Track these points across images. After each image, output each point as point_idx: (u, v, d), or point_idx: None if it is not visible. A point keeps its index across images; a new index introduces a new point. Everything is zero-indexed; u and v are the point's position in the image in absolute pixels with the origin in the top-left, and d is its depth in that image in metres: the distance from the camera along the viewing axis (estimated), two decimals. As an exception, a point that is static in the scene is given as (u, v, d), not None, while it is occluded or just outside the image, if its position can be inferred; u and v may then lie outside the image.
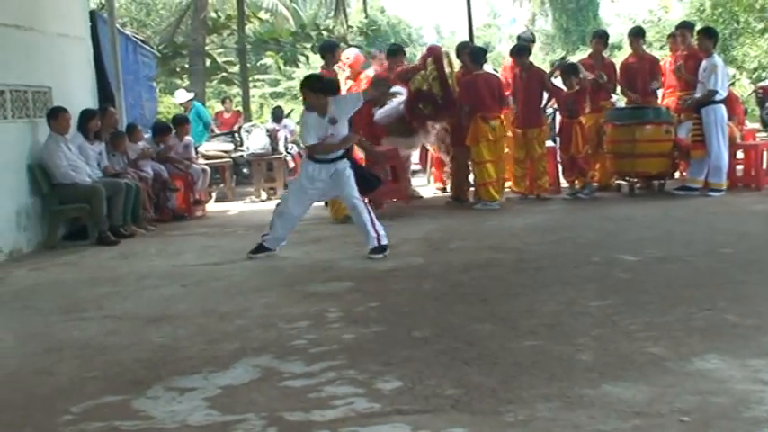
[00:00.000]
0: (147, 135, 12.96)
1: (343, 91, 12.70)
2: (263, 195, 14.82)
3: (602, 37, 13.48)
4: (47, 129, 10.10)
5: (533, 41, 14.23)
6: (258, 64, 36.07)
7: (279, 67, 30.18)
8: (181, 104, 18.35)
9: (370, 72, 13.23)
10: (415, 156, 14.51)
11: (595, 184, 12.47)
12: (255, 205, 14.18)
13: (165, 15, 33.79)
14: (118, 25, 14.07)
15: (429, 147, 13.74)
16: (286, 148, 16.59)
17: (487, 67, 12.51)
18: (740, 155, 12.67)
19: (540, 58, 36.28)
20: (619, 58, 16.53)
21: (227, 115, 19.25)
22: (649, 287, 6.25)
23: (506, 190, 12.08)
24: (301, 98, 8.73)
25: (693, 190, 11.51)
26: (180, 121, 13.75)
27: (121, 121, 12.61)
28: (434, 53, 11.79)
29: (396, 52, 13.13)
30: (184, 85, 22.81)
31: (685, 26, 13.15)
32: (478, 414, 3.84)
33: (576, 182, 12.19)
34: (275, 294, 6.77)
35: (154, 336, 5.64)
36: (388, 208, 11.38)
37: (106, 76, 12.77)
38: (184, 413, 4.09)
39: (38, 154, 10.02)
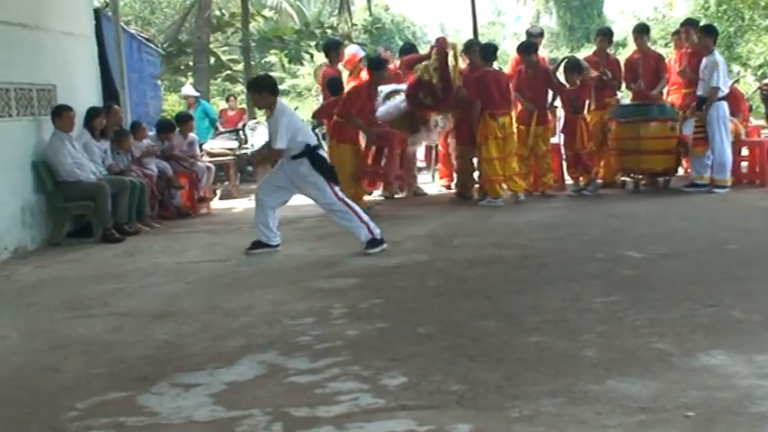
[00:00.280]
0: (152, 133, 12.96)
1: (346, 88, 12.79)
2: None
3: (606, 34, 13.48)
4: (51, 126, 10.10)
5: (542, 35, 14.22)
6: (262, 62, 36.08)
7: (283, 65, 30.18)
8: (184, 98, 18.35)
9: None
10: (420, 152, 14.52)
11: (600, 181, 12.46)
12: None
13: (169, 13, 33.82)
14: (122, 23, 14.05)
15: (434, 143, 13.75)
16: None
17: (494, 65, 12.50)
18: (745, 151, 12.67)
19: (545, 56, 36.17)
20: (623, 56, 16.49)
21: (231, 113, 19.27)
22: (654, 283, 6.24)
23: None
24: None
25: (701, 187, 11.49)
26: (183, 119, 13.75)
27: (126, 118, 12.61)
28: (439, 44, 11.82)
29: (408, 51, 13.23)
30: (190, 82, 22.79)
31: (690, 23, 13.12)
32: (483, 410, 3.84)
33: (581, 179, 12.19)
34: (280, 291, 6.77)
35: (159, 332, 5.64)
36: (390, 206, 11.38)
37: (111, 74, 12.77)
38: (189, 409, 4.09)
39: (42, 152, 10.02)
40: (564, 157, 12.73)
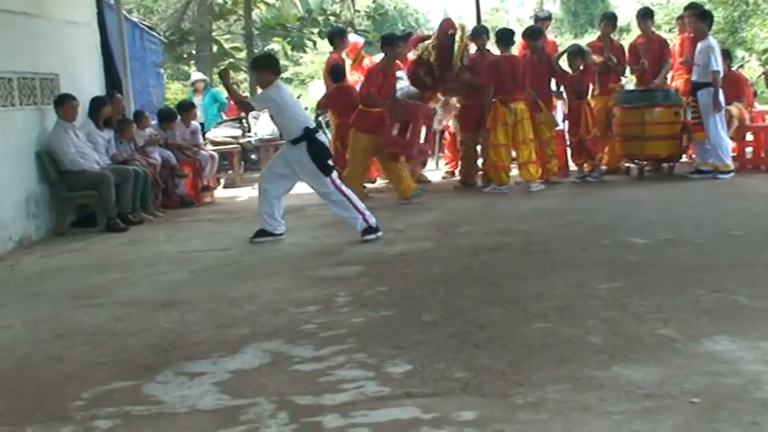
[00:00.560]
0: (155, 122, 12.96)
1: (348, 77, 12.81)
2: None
3: (610, 19, 13.45)
4: (54, 116, 10.10)
5: (549, 18, 14.19)
6: (265, 49, 36.01)
7: (286, 53, 30.14)
8: (192, 84, 18.34)
9: (375, 58, 13.27)
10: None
11: (604, 167, 12.45)
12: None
13: (171, 1, 33.73)
14: (124, 12, 14.04)
15: (434, 131, 13.73)
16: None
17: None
18: (750, 137, 12.64)
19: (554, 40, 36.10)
20: (627, 41, 16.46)
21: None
22: (659, 270, 6.24)
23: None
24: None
25: (706, 173, 11.48)
26: (186, 107, 13.74)
27: (129, 107, 12.61)
28: (443, 26, 11.86)
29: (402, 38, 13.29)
30: (192, 70, 22.79)
31: (692, 9, 13.08)
32: (488, 397, 3.84)
33: (585, 165, 12.17)
34: (284, 279, 6.77)
35: (163, 321, 5.64)
36: (393, 193, 11.36)
37: (113, 63, 12.76)
38: (194, 398, 4.10)
39: (46, 141, 10.02)
40: (568, 143, 12.71)
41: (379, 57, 13.20)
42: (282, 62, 35.50)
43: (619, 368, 4.06)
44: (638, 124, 11.69)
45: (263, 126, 15.05)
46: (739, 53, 26.88)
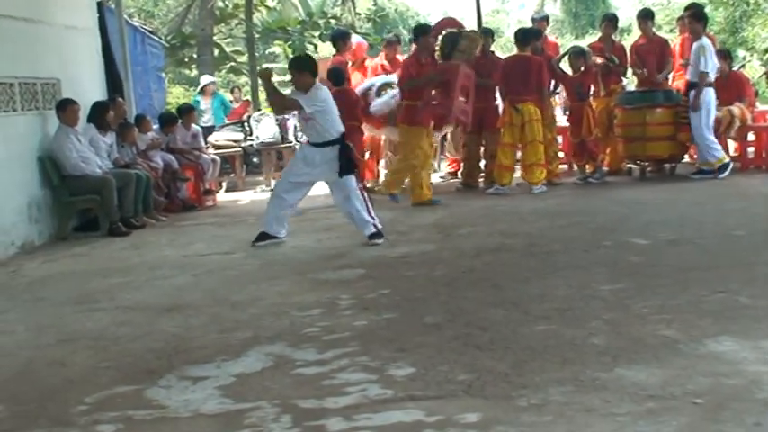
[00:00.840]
0: (156, 126, 12.97)
1: (351, 78, 12.82)
2: (274, 184, 14.79)
3: (611, 20, 13.45)
4: (56, 121, 10.11)
5: (546, 19, 14.16)
6: (266, 53, 36.08)
7: (287, 56, 30.14)
8: (201, 88, 18.37)
9: (378, 60, 13.31)
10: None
11: (605, 168, 12.45)
12: (266, 194, 14.15)
13: (172, 6, 33.78)
14: (125, 16, 14.06)
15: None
16: (295, 137, 16.58)
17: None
18: (751, 137, 12.63)
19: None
20: (629, 42, 16.45)
21: (236, 105, 19.26)
22: (661, 270, 6.23)
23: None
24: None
25: (708, 173, 11.47)
26: (186, 110, 13.75)
27: (130, 112, 12.62)
28: (438, 25, 12.00)
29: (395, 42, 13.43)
30: (193, 74, 22.80)
31: (690, 9, 13.07)
32: (491, 399, 3.84)
33: (587, 166, 12.16)
34: (287, 282, 6.77)
35: (166, 325, 5.65)
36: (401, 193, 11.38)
37: (115, 68, 12.78)
38: (198, 402, 4.10)
39: (48, 146, 10.03)
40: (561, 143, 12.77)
41: (379, 58, 13.27)
42: (284, 65, 35.68)
43: (622, 369, 4.06)
44: (640, 125, 11.69)
45: (264, 130, 15.04)
46: (740, 53, 26.87)
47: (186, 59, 26.04)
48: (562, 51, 13.56)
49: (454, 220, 9.48)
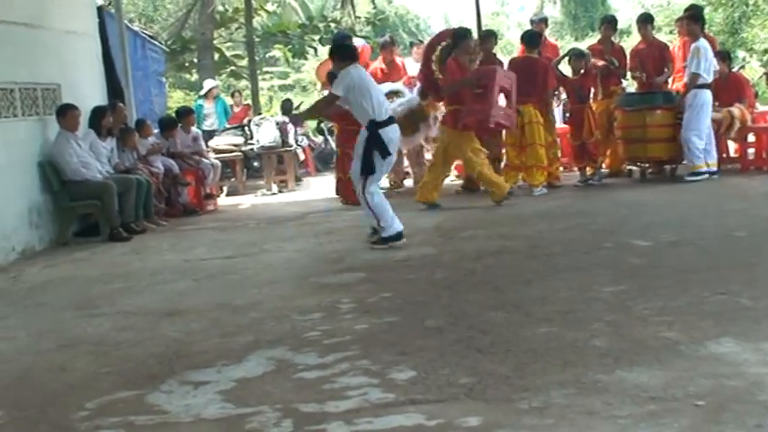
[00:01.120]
0: (157, 131, 12.98)
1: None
2: (274, 188, 14.84)
3: (611, 22, 13.45)
4: (56, 126, 10.11)
5: (544, 21, 14.15)
6: (267, 57, 36.07)
7: (287, 60, 30.16)
8: (205, 93, 18.41)
9: (376, 63, 13.32)
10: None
11: (606, 170, 12.46)
12: (267, 198, 14.21)
13: (172, 10, 33.76)
14: (126, 21, 14.06)
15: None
16: (296, 141, 16.61)
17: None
18: (751, 138, 12.63)
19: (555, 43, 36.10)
20: (628, 44, 16.45)
21: (236, 109, 19.27)
22: (662, 272, 6.23)
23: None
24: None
25: (710, 173, 11.48)
26: (184, 113, 13.76)
27: (131, 116, 12.63)
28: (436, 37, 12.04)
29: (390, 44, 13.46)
30: (193, 79, 22.82)
31: (688, 13, 13.07)
32: (493, 402, 3.84)
33: (588, 168, 12.16)
34: (288, 287, 6.77)
35: (167, 330, 5.64)
36: (397, 198, 11.37)
37: (115, 73, 12.79)
38: (199, 407, 4.09)
39: (48, 151, 10.03)
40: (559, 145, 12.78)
41: (378, 62, 13.29)
42: (284, 69, 35.68)
43: (623, 372, 4.06)
44: (640, 127, 11.71)
45: (265, 134, 15.06)
46: (740, 54, 26.87)
47: (187, 64, 26.02)
48: (562, 53, 13.55)
49: (455, 222, 9.47)
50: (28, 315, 6.57)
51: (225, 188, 15.26)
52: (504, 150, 12.02)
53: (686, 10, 13.24)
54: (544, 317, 5.21)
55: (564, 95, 13.52)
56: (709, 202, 9.59)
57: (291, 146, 15.65)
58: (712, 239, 7.40)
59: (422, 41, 14.39)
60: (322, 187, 13.95)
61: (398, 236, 8.16)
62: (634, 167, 12.57)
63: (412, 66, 13.43)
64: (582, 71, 12.01)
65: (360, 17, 28.64)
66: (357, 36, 19.91)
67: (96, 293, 7.08)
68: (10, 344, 5.67)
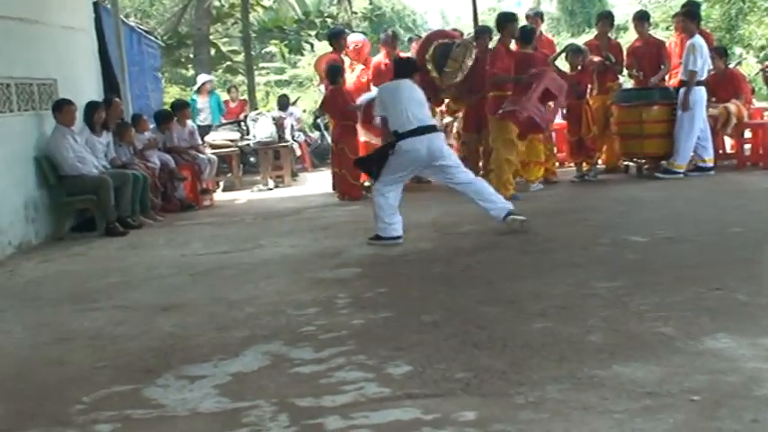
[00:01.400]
0: (153, 125, 12.97)
1: (353, 76, 12.87)
2: (271, 184, 14.84)
3: (607, 18, 13.44)
4: (53, 121, 10.11)
5: (541, 16, 14.09)
6: (263, 52, 36.05)
7: (283, 56, 30.17)
8: (198, 88, 18.39)
9: (380, 57, 13.32)
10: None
11: (602, 166, 12.46)
12: (263, 194, 14.21)
13: (168, 5, 33.69)
14: (122, 16, 14.05)
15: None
16: (293, 136, 16.62)
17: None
18: (748, 134, 12.64)
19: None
20: (625, 39, 16.44)
21: (233, 104, 19.27)
22: (659, 268, 6.23)
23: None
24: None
25: (705, 170, 11.51)
26: (180, 107, 13.75)
27: (127, 111, 12.63)
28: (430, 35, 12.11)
29: (393, 38, 13.50)
30: (189, 74, 22.81)
31: (684, 7, 13.07)
32: (489, 397, 3.84)
33: (584, 164, 12.16)
34: (284, 281, 6.77)
35: (163, 325, 5.64)
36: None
37: (111, 68, 12.79)
38: (195, 401, 4.09)
39: (44, 146, 10.03)
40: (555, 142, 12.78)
41: (381, 56, 13.28)
42: (280, 65, 35.64)
43: (619, 367, 4.06)
44: (636, 123, 11.70)
45: (261, 129, 15.05)
46: (737, 50, 26.85)
47: (183, 59, 26.04)
48: (558, 49, 13.54)
49: (451, 218, 9.47)
50: (24, 309, 6.57)
51: (221, 183, 15.26)
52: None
53: (683, 6, 13.22)
54: (540, 312, 5.21)
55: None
56: (705, 199, 9.60)
57: (288, 141, 15.65)
58: (709, 235, 7.40)
59: (420, 37, 14.32)
60: (318, 182, 13.95)
61: (393, 239, 8.15)
62: (630, 163, 12.57)
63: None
64: (579, 67, 12.00)
65: (356, 13, 28.68)
66: (354, 32, 19.91)
67: (93, 288, 7.08)
68: (6, 338, 5.67)
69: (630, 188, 11.07)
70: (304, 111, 22.22)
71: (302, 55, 30.58)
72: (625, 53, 12.91)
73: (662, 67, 12.53)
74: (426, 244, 8.03)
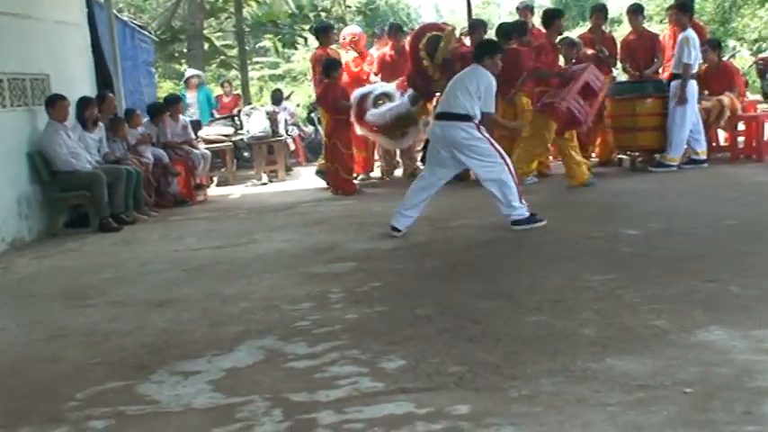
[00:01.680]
0: (146, 119, 12.94)
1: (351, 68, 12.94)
2: (265, 178, 14.82)
3: (601, 11, 13.44)
4: (45, 116, 10.09)
5: (529, 9, 14.02)
6: (257, 47, 36.01)
7: (277, 50, 30.11)
8: (185, 80, 18.36)
9: (385, 49, 13.36)
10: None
11: (596, 159, 12.48)
12: (257, 188, 14.20)
13: (162, 0, 33.68)
14: (115, 11, 14.03)
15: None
16: (286, 131, 16.60)
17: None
18: (741, 126, 12.66)
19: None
20: (619, 32, 16.42)
21: (226, 99, 19.24)
22: (652, 260, 6.25)
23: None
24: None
25: (699, 162, 11.53)
26: (173, 101, 13.73)
27: (120, 107, 12.62)
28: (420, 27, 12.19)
29: (397, 30, 13.49)
30: (183, 69, 22.79)
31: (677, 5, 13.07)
32: (482, 391, 3.84)
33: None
34: (278, 276, 6.77)
35: (157, 320, 5.64)
36: (389, 187, 11.39)
37: (104, 63, 12.77)
38: (189, 396, 4.09)
39: (37, 142, 10.00)
40: None
41: (387, 47, 13.34)
42: (274, 59, 35.58)
43: (612, 360, 4.07)
44: (630, 116, 11.72)
45: (255, 124, 15.04)
46: (731, 43, 26.88)
47: (176, 54, 25.99)
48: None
49: (445, 212, 9.45)
50: (18, 306, 6.56)
51: (215, 178, 15.24)
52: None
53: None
54: (534, 306, 5.22)
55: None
56: (699, 191, 9.61)
57: (282, 136, 15.64)
58: (702, 228, 7.41)
59: (381, 32, 14.34)
60: (312, 177, 13.91)
61: (393, 228, 8.17)
62: (624, 156, 12.58)
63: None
64: (573, 60, 11.98)
65: (350, 6, 28.62)
66: (348, 25, 19.88)
67: (86, 284, 7.07)
68: (0, 334, 5.66)
69: (624, 181, 11.08)
70: (298, 105, 22.17)
71: (296, 49, 30.55)
72: (619, 46, 12.90)
73: (655, 60, 12.53)
74: (420, 238, 8.03)
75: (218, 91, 20.17)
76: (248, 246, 8.34)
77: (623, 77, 13.63)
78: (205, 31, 25.20)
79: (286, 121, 16.72)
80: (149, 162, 11.84)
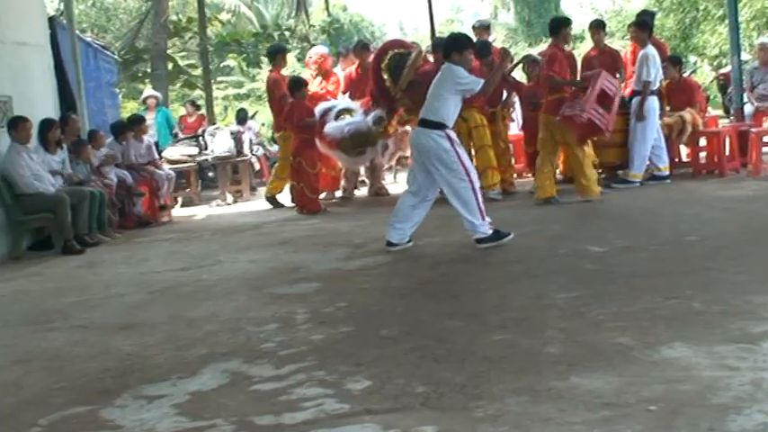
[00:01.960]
0: (110, 139, 12.86)
1: (313, 87, 12.95)
2: (230, 199, 14.78)
3: (598, 26, 13.27)
4: (7, 139, 10.01)
5: (487, 28, 13.97)
6: (221, 66, 35.97)
7: (242, 69, 30.10)
8: (143, 101, 18.29)
9: (351, 68, 13.37)
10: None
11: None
12: (222, 209, 14.15)
13: (125, 20, 33.57)
14: (78, 32, 13.96)
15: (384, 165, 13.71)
16: (251, 150, 16.57)
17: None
18: (703, 142, 12.78)
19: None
20: (581, 50, 16.50)
21: (191, 119, 19.17)
22: (616, 277, 6.28)
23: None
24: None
25: (662, 179, 11.64)
26: (136, 122, 13.66)
27: (84, 128, 12.54)
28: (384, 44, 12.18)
29: (363, 48, 13.48)
30: (148, 89, 22.70)
31: (636, 22, 13.15)
32: (448, 411, 3.84)
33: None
34: (243, 298, 6.75)
35: (121, 344, 5.59)
36: (353, 206, 11.38)
37: (68, 84, 12.69)
38: (153, 420, 4.06)
39: (0, 164, 9.92)
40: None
41: (339, 70, 13.35)
42: (238, 78, 35.55)
43: (577, 378, 4.08)
44: (593, 132, 11.78)
45: (219, 143, 15.00)
46: (692, 59, 27.17)
47: (140, 74, 25.91)
48: (516, 59, 13.57)
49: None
50: (-20, 331, 6.49)
51: (179, 199, 15.18)
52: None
53: (637, 16, 13.35)
54: (499, 324, 5.23)
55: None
56: (661, 207, 9.68)
57: (246, 155, 15.61)
58: (665, 244, 7.47)
59: (345, 52, 14.37)
60: (277, 197, 13.89)
61: (387, 243, 8.28)
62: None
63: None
64: (536, 77, 12.05)
65: (314, 25, 28.66)
66: (312, 44, 19.91)
67: (50, 308, 7.01)
68: (-39, 360, 5.60)
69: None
70: (263, 124, 22.17)
71: (260, 68, 30.57)
72: (579, 62, 12.95)
73: (617, 76, 12.60)
74: (385, 257, 8.04)
75: (182, 111, 20.09)
76: (213, 267, 8.30)
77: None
78: (169, 51, 25.15)
79: (251, 140, 16.69)
80: (113, 183, 11.77)
